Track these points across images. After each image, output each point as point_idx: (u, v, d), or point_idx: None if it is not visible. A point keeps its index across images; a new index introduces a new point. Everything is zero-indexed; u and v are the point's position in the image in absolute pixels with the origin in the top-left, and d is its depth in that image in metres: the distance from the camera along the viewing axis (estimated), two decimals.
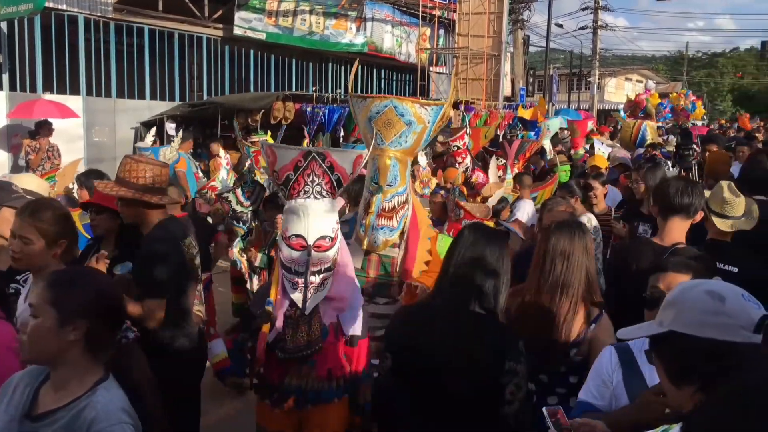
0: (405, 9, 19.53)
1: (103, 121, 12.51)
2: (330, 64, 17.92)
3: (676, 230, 3.31)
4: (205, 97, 14.32)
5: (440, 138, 9.80)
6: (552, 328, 2.68)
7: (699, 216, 3.42)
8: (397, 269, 3.52)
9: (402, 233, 3.51)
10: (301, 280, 2.70)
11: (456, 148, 7.59)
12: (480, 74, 20.29)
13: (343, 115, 12.85)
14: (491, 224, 5.47)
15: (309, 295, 2.70)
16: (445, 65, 21.51)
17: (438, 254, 3.49)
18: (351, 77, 4.20)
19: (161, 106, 13.18)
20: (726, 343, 1.48)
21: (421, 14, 19.30)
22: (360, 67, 19.05)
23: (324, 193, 2.72)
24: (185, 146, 10.18)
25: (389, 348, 2.47)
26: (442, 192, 5.31)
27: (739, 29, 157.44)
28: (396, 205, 3.41)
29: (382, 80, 20.35)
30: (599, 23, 33.93)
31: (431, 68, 20.47)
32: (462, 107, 16.81)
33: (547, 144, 10.82)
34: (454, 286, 2.39)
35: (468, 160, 7.67)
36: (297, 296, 2.72)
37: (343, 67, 18.42)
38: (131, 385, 1.95)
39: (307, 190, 2.71)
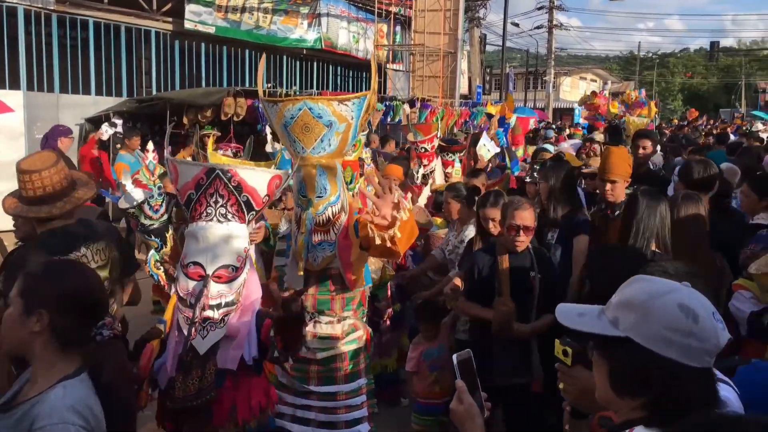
0: (361, 5, 19.37)
1: (45, 116, 12.01)
2: (285, 60, 17.63)
3: None
4: (153, 92, 13.91)
5: (410, 137, 9.65)
6: None
7: None
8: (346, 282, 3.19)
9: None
10: (194, 314, 2.35)
11: (423, 149, 7.37)
12: (436, 71, 20.26)
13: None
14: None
15: (204, 334, 2.35)
16: (402, 62, 21.43)
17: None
18: (260, 74, 3.62)
19: (107, 102, 12.72)
20: (686, 367, 1.33)
21: (377, 10, 19.16)
22: (314, 63, 18.83)
23: (229, 216, 2.40)
24: (132, 143, 9.84)
25: None
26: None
27: (688, 30, 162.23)
28: (331, 216, 3.06)
29: (338, 77, 20.13)
30: (554, 23, 34.32)
31: (388, 65, 20.36)
32: (418, 104, 16.74)
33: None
34: None
35: (434, 164, 7.49)
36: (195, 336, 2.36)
37: (298, 63, 18.16)
38: (103, 383, 1.91)
39: (209, 212, 2.39)
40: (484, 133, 7.84)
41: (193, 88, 14.43)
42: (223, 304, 2.40)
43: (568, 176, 4.40)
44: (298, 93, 13.28)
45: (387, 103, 15.73)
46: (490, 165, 7.73)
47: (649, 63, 62.39)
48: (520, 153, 10.52)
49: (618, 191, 4.22)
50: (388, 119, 15.41)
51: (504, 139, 10.46)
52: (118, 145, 11.21)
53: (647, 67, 61.42)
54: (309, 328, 3.10)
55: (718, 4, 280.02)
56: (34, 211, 2.86)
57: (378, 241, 2.66)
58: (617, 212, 4.08)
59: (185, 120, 10.92)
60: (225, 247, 2.39)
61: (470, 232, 4.66)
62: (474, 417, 1.67)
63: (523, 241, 3.64)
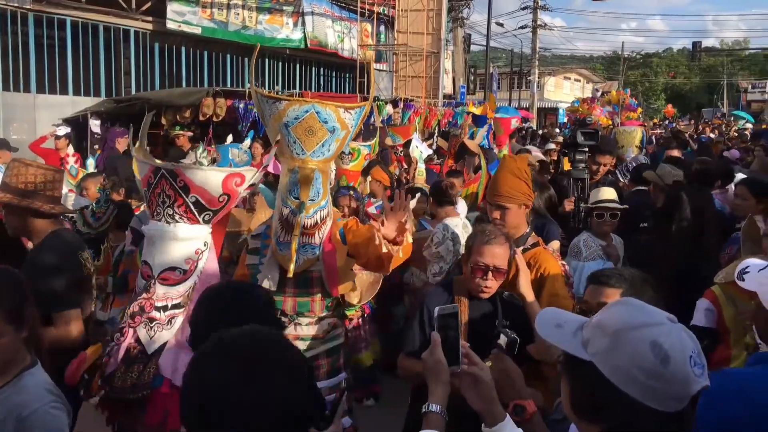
0: (344, 5, 19.31)
1: (21, 117, 11.91)
2: (267, 60, 17.54)
3: None
4: (133, 92, 13.77)
5: (388, 141, 9.62)
6: None
7: None
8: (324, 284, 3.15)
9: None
10: (141, 316, 2.35)
11: (402, 152, 7.40)
12: (420, 72, 20.24)
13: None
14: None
15: (152, 333, 2.32)
16: (387, 62, 21.40)
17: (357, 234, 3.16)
18: (251, 68, 3.64)
19: (85, 102, 12.57)
20: (647, 407, 1.25)
21: (359, 10, 19.12)
22: (297, 64, 18.76)
23: (177, 217, 2.35)
24: (120, 145, 9.70)
25: None
26: (351, 193, 5.06)
27: (670, 30, 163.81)
28: (319, 221, 3.02)
29: (321, 77, 20.07)
30: (538, 23, 34.46)
31: (371, 66, 20.32)
32: (401, 104, 16.72)
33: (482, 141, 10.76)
34: None
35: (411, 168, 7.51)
36: (141, 332, 2.37)
37: (281, 63, 18.07)
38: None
39: (158, 212, 2.36)
40: (415, 134, 7.69)
41: (174, 88, 14.32)
42: (169, 306, 2.36)
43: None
44: (280, 93, 13.18)
45: None
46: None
47: (632, 63, 62.86)
48: (503, 153, 10.49)
49: (513, 220, 3.26)
50: (371, 119, 15.39)
51: (486, 140, 10.44)
52: (96, 146, 11.11)
53: (631, 67, 61.86)
54: (290, 331, 3.06)
55: (700, 4, 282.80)
56: (35, 204, 2.85)
57: (383, 250, 2.60)
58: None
59: (163, 120, 10.80)
60: (172, 249, 2.35)
61: (457, 222, 4.87)
62: (440, 373, 1.65)
63: (491, 287, 2.81)
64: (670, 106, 23.94)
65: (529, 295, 2.82)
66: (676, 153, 7.94)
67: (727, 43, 65.59)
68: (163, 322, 2.35)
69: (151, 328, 2.34)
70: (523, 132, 20.01)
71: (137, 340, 2.38)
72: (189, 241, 2.39)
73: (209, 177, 2.38)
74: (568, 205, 5.14)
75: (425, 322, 2.89)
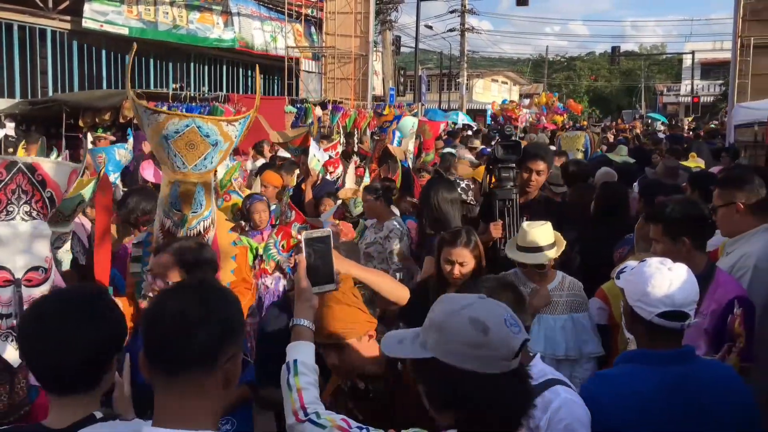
0: (271, 6, 19.23)
1: None
2: (192, 63, 17.30)
3: None
4: (50, 93, 13.35)
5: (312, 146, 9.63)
6: None
7: None
8: None
9: None
10: (4, 324, 2.19)
11: (328, 157, 7.44)
12: (348, 74, 20.38)
13: (203, 114, 12.39)
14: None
15: (15, 345, 2.14)
16: (317, 63, 21.43)
17: (248, 266, 3.25)
18: (128, 66, 3.51)
19: None
20: (486, 375, 1.43)
21: (287, 11, 19.09)
22: (223, 66, 18.57)
23: (34, 213, 2.26)
24: (34, 148, 9.40)
25: None
26: (265, 199, 5.10)
27: (592, 35, 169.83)
28: (202, 231, 3.02)
29: (249, 79, 19.92)
30: (466, 26, 35.17)
31: (300, 68, 20.30)
32: (330, 107, 16.81)
33: (410, 145, 10.91)
34: None
35: (339, 170, 7.54)
36: (4, 346, 2.19)
37: (206, 67, 17.85)
38: None
39: (11, 209, 2.22)
40: (313, 142, 7.61)
41: (93, 89, 13.95)
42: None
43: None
44: (207, 95, 13.07)
45: (299, 106, 15.72)
46: (320, 176, 7.22)
47: (557, 66, 64.89)
48: (430, 158, 10.71)
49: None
50: (300, 122, 15.41)
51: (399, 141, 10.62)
52: (11, 150, 10.72)
53: (556, 70, 63.86)
54: None
55: (621, 9, 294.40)
56: None
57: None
58: None
59: (81, 122, 10.55)
60: (32, 247, 2.26)
61: (393, 226, 4.84)
62: (305, 292, 1.90)
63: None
64: (571, 101, 24.93)
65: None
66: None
67: (646, 48, 68.54)
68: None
69: (9, 336, 2.19)
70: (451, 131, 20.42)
71: None
72: (46, 238, 2.33)
73: (62, 172, 2.35)
74: (495, 231, 4.16)
75: None
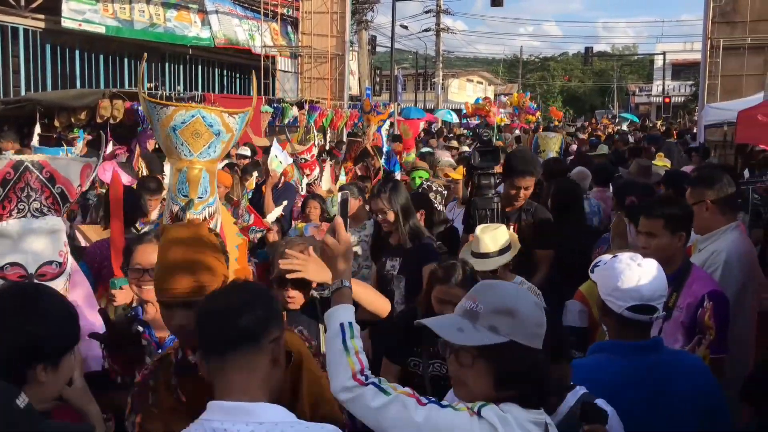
0: (247, 5, 19.15)
1: None
2: (168, 63, 17.17)
3: None
4: (22, 92, 13.15)
5: (288, 149, 9.64)
6: None
7: None
8: None
9: None
10: None
11: (303, 160, 7.46)
12: (325, 74, 20.38)
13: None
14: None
15: None
16: (294, 61, 21.38)
17: (245, 262, 3.38)
18: (141, 71, 3.82)
19: None
20: (539, 350, 1.64)
21: (263, 11, 19.04)
22: (200, 65, 18.46)
23: (44, 209, 2.34)
24: (5, 146, 9.27)
25: None
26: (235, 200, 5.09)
27: (566, 36, 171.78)
28: (207, 217, 3.12)
29: (225, 78, 19.83)
30: (441, 26, 35.38)
31: (276, 67, 20.25)
32: (307, 106, 16.80)
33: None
34: None
35: (316, 172, 7.57)
36: None
37: (181, 66, 17.72)
38: None
39: (21, 207, 2.30)
40: (275, 142, 7.56)
41: (67, 89, 13.78)
42: None
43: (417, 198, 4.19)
44: (182, 94, 12.98)
45: (276, 105, 15.69)
46: (283, 179, 7.03)
47: (531, 66, 65.49)
48: (411, 158, 10.75)
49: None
50: (277, 121, 15.38)
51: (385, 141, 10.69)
52: None
53: (530, 70, 64.45)
54: None
55: (593, 10, 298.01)
56: None
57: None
58: None
59: (56, 122, 10.43)
60: (45, 242, 2.33)
61: (369, 230, 4.74)
62: (348, 257, 1.96)
63: (294, 297, 2.94)
64: (554, 108, 25.35)
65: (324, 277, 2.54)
66: None
67: (618, 49, 69.48)
68: None
69: None
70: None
71: None
72: (59, 233, 2.40)
73: (71, 168, 2.43)
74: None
75: None
